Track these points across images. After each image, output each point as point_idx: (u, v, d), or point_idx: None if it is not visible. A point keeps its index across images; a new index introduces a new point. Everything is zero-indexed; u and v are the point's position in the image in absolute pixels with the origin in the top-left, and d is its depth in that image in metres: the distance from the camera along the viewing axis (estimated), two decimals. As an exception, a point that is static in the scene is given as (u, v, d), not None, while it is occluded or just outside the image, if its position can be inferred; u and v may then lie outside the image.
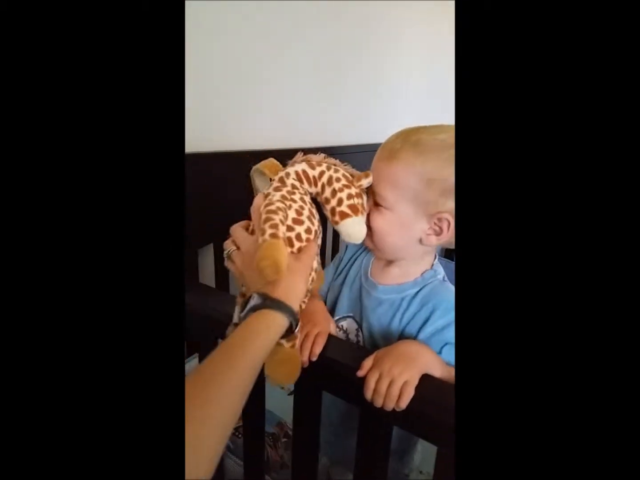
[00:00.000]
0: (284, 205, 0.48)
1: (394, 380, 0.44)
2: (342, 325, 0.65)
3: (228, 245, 0.51)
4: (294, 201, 0.50)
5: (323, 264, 0.57)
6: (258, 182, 0.56)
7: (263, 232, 0.44)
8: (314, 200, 0.54)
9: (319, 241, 0.54)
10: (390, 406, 0.44)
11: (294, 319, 0.44)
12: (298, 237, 0.49)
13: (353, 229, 0.52)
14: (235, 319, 0.48)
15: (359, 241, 0.53)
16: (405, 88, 1.70)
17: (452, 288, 0.58)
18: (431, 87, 1.85)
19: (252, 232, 0.50)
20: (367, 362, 0.47)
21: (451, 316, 0.55)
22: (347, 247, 0.71)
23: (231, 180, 0.76)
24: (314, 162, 0.53)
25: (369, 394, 0.45)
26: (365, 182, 0.53)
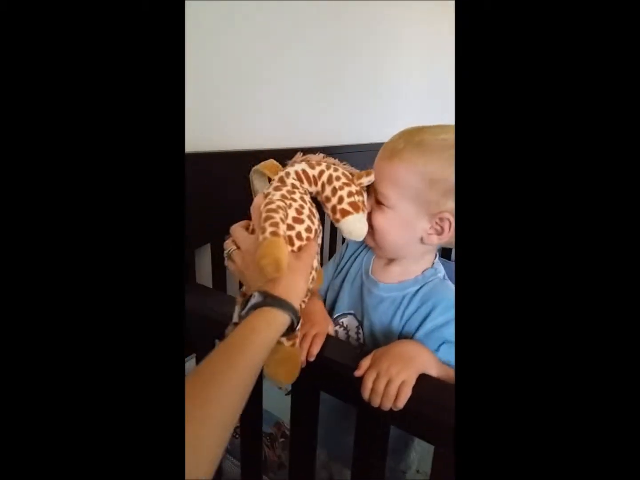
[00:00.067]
0: (284, 204, 0.48)
1: (392, 380, 0.44)
2: (342, 322, 0.65)
3: (228, 245, 0.51)
4: (294, 200, 0.50)
5: (321, 264, 0.57)
6: (257, 183, 0.56)
7: (263, 231, 0.45)
8: (314, 199, 0.54)
9: (319, 240, 0.54)
10: (387, 406, 0.44)
11: (295, 316, 0.44)
12: (298, 235, 0.49)
13: (354, 226, 0.52)
14: (235, 318, 0.48)
15: (361, 238, 0.53)
16: (405, 88, 1.70)
17: (452, 286, 0.59)
18: (431, 87, 1.85)
19: (252, 232, 0.50)
20: (365, 362, 0.47)
21: (451, 314, 0.55)
22: (347, 244, 0.71)
23: (229, 180, 0.76)
24: (313, 162, 0.53)
25: (366, 394, 0.45)
26: (366, 180, 0.53)
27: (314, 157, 0.54)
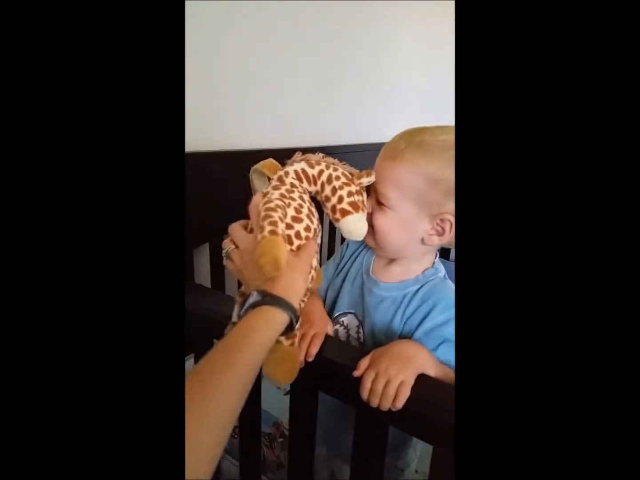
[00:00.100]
0: (282, 203, 0.48)
1: (390, 381, 0.44)
2: (343, 321, 0.65)
3: (226, 244, 0.51)
4: (293, 199, 0.50)
5: (320, 263, 0.57)
6: (256, 182, 0.56)
7: (262, 229, 0.45)
8: (314, 199, 0.54)
9: (319, 240, 0.54)
10: (386, 406, 0.44)
11: (294, 315, 0.44)
12: (297, 235, 0.49)
13: (354, 226, 0.52)
14: (234, 317, 0.48)
15: (361, 238, 0.53)
16: (405, 88, 1.70)
17: (453, 286, 0.59)
18: (431, 87, 1.85)
19: (251, 231, 0.50)
20: (364, 362, 0.47)
21: (451, 312, 0.56)
22: (348, 244, 0.71)
23: (229, 180, 0.76)
24: (312, 161, 0.53)
25: (365, 394, 0.45)
26: (366, 181, 0.53)
27: (313, 157, 0.54)
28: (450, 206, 0.52)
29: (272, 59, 1.04)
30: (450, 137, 0.51)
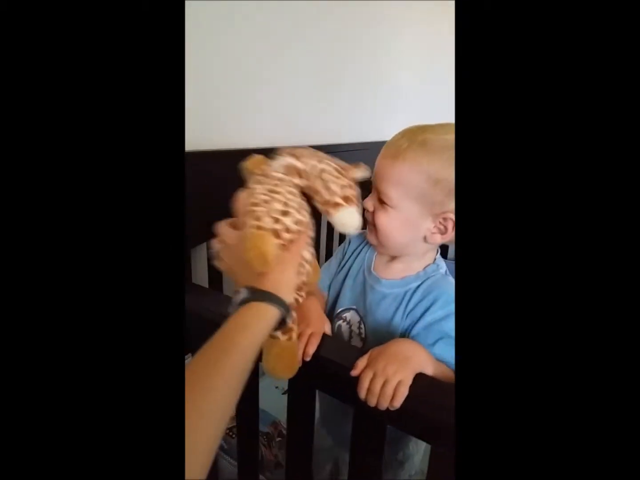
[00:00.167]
0: (269, 198, 0.47)
1: (388, 380, 0.44)
2: (345, 317, 0.65)
3: (215, 244, 0.51)
4: (280, 193, 0.49)
5: (319, 263, 0.57)
6: (249, 180, 0.56)
7: (248, 225, 0.44)
8: (306, 194, 0.53)
9: (311, 233, 0.53)
10: (384, 405, 0.44)
11: (286, 309, 0.44)
12: (285, 228, 0.48)
13: (346, 219, 0.51)
14: None
15: (354, 231, 0.52)
16: (405, 88, 1.71)
17: (453, 281, 0.59)
18: (431, 87, 1.86)
19: (238, 228, 0.49)
20: (361, 362, 0.47)
21: (451, 308, 0.56)
22: (350, 240, 0.71)
23: (229, 180, 0.76)
24: (301, 155, 0.52)
25: (362, 394, 0.45)
26: (359, 175, 0.52)
27: (301, 151, 0.52)
28: (453, 205, 0.52)
29: (272, 59, 1.04)
30: (452, 136, 0.51)
